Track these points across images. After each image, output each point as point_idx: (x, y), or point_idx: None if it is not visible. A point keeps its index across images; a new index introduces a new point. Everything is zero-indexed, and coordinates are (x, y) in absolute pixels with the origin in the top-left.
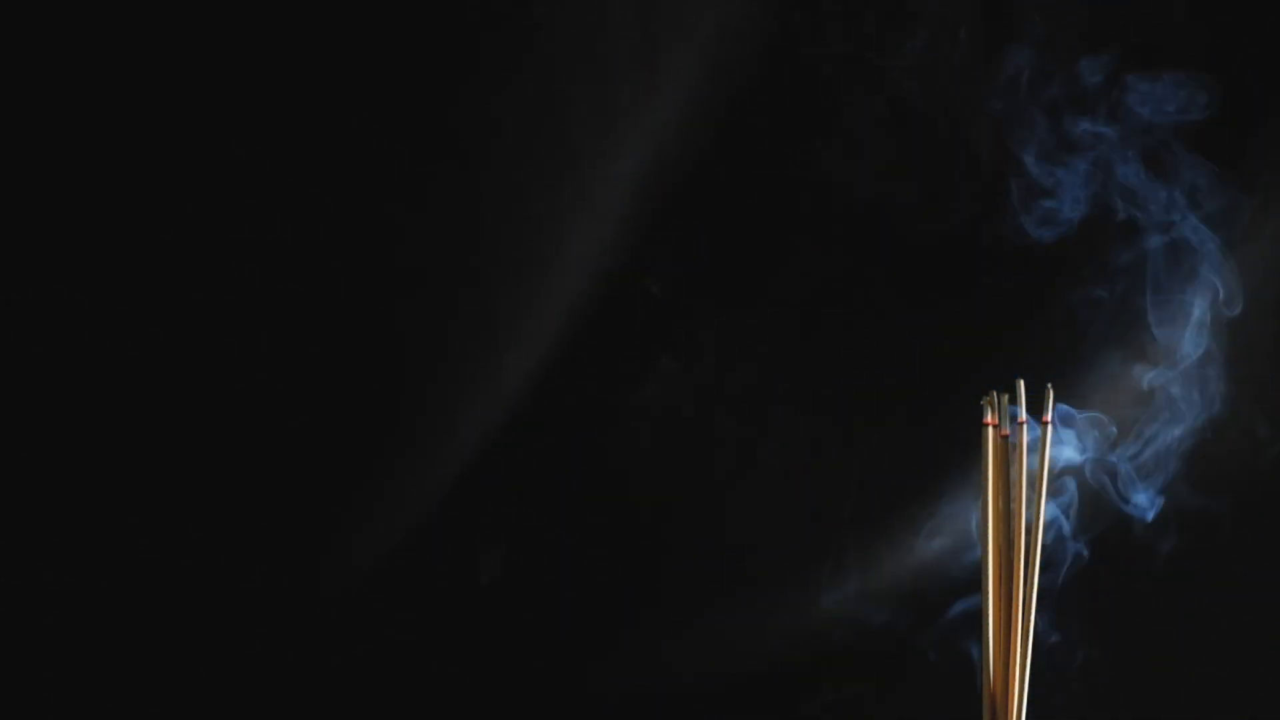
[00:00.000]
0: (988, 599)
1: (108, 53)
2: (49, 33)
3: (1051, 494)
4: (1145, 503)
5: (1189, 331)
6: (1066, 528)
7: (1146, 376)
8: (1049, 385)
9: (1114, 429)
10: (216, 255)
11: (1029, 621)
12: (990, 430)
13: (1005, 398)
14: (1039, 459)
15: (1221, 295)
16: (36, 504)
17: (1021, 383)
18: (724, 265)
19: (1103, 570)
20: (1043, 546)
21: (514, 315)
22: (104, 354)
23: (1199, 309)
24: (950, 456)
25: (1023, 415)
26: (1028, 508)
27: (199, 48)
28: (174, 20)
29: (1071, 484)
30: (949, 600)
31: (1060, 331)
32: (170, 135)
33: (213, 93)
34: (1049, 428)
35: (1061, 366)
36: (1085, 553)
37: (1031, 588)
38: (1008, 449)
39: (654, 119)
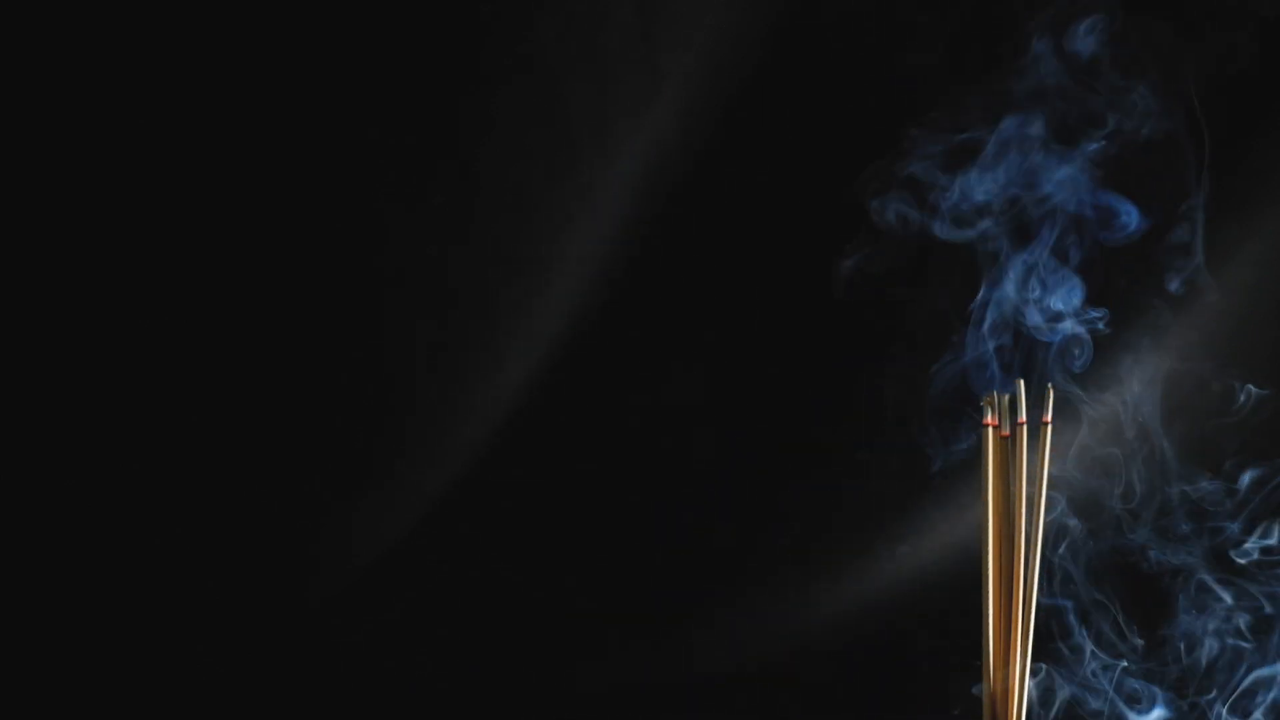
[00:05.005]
0: (988, 599)
1: (107, 52)
2: (49, 33)
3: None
4: None
5: None
6: None
7: None
8: (1049, 385)
9: None
10: (214, 256)
11: (1029, 621)
12: (990, 430)
13: (1005, 398)
14: (1039, 459)
15: None
16: (36, 503)
17: (1022, 383)
18: (725, 265)
19: None
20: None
21: (514, 315)
22: (100, 355)
23: None
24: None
25: (1022, 416)
26: (1028, 508)
27: (197, 48)
28: (174, 20)
29: None
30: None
31: None
32: (169, 136)
33: (212, 94)
34: (1048, 428)
35: None
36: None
37: (1031, 588)
38: (1007, 449)
39: (654, 119)
